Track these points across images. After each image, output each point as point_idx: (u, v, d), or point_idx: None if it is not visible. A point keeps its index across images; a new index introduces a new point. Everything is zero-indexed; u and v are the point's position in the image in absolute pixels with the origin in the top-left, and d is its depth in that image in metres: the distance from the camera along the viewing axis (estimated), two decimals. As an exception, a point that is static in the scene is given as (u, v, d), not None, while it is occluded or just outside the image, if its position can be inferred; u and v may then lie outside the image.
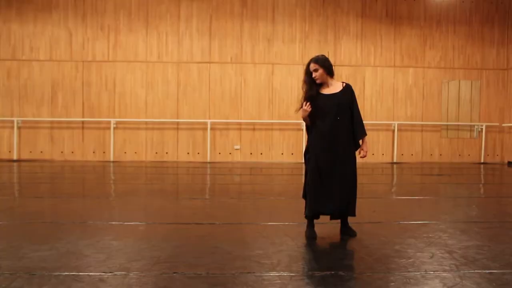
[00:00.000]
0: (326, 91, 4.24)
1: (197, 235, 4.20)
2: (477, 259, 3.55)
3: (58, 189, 7.56)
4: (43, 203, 6.00)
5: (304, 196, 4.29)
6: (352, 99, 4.26)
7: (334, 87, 4.26)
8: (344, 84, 4.31)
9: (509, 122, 12.79)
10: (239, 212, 5.50)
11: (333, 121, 4.14)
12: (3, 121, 12.24)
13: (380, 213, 5.46)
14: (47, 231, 4.28)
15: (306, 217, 4.28)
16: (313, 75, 4.21)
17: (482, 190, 8.03)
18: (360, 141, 4.30)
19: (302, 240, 4.12)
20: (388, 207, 5.99)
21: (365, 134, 4.28)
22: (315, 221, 4.29)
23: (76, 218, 4.91)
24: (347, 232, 4.29)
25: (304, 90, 4.29)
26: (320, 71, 4.19)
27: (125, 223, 4.67)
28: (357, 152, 4.25)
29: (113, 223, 4.68)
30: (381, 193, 7.25)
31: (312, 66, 4.22)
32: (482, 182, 9.34)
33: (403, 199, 6.69)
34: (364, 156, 4.24)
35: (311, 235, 4.20)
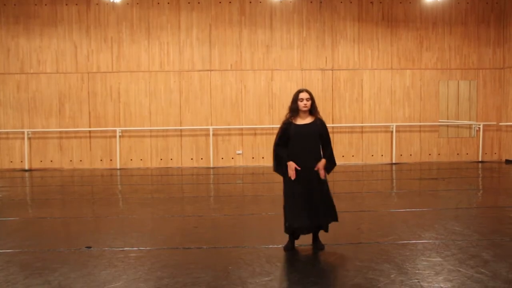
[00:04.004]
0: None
1: (183, 263, 4.58)
2: (440, 288, 3.90)
3: (61, 208, 8.01)
4: (46, 225, 6.45)
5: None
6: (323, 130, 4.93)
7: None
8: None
9: (506, 121, 12.98)
10: (230, 232, 5.87)
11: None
12: (14, 133, 12.76)
13: (364, 230, 5.81)
14: (44, 262, 4.66)
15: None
16: (304, 103, 4.80)
17: (480, 199, 8.30)
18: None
19: (280, 267, 4.50)
20: (373, 222, 6.28)
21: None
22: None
23: (73, 243, 5.36)
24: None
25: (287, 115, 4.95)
26: (310, 102, 4.86)
27: (117, 249, 5.09)
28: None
29: (105, 249, 5.09)
30: (371, 204, 7.58)
31: (305, 95, 4.84)
32: (480, 187, 9.58)
33: (391, 212, 7.00)
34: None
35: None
